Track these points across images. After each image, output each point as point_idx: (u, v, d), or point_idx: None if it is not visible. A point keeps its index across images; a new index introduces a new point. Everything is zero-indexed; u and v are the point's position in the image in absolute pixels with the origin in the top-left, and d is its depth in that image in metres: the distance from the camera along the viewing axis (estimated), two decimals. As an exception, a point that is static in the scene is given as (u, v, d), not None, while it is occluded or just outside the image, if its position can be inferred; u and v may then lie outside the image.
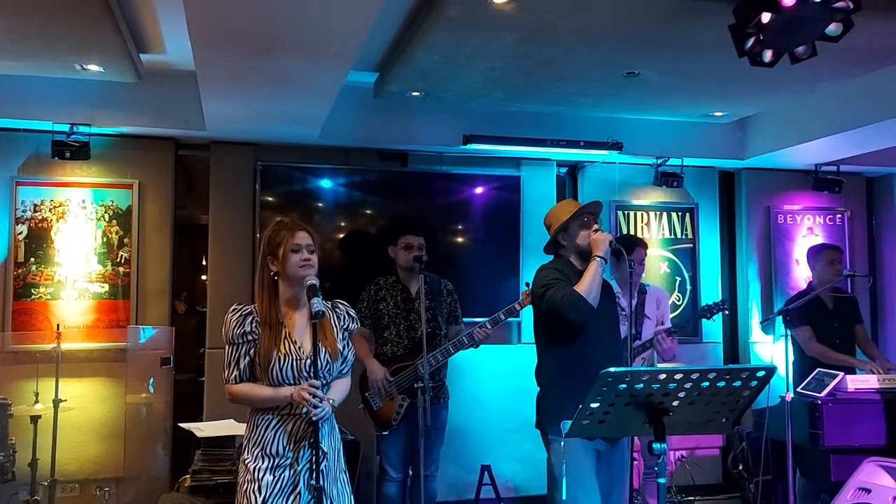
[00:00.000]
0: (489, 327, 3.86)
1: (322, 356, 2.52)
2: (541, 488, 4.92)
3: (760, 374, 2.11)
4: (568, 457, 2.88)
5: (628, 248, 4.20)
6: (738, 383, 2.12)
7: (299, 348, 2.56)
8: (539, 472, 4.91)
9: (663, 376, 2.05)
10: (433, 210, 5.01)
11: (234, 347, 2.57)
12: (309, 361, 2.52)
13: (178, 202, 4.95)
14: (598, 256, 3.01)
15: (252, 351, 2.55)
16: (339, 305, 2.74)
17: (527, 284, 3.86)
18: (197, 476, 3.68)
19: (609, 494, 2.98)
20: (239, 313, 2.59)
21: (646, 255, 4.33)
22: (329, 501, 2.54)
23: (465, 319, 4.22)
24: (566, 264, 3.16)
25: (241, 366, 2.55)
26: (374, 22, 2.85)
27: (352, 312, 2.75)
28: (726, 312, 4.75)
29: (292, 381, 2.53)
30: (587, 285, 2.96)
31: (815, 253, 4.67)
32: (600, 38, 3.47)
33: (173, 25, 3.64)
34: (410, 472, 3.99)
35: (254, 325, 2.57)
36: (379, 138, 4.86)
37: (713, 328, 5.55)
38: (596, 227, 3.13)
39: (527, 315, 4.65)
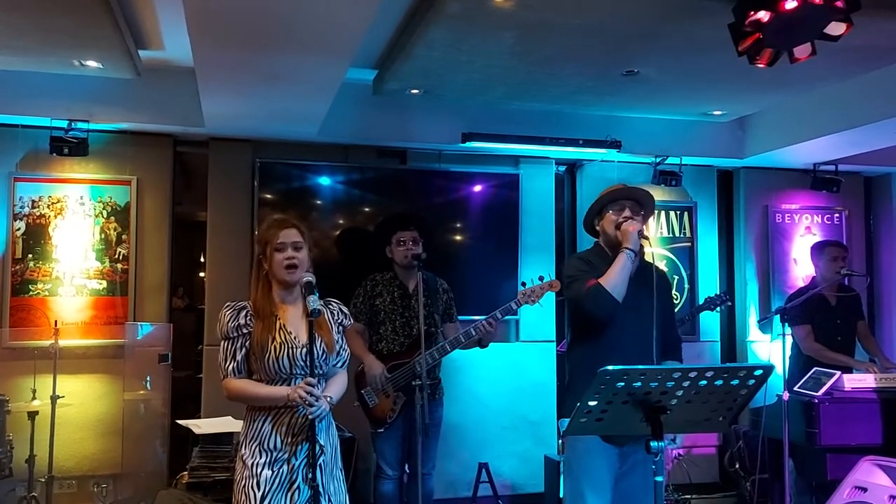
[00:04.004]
0: (486, 327, 3.81)
1: (318, 346, 2.53)
2: (538, 486, 4.93)
3: (758, 372, 2.11)
4: (580, 453, 2.81)
5: None
6: (735, 382, 2.12)
7: (295, 338, 2.57)
8: (536, 469, 4.92)
9: (661, 375, 2.05)
10: (432, 208, 5.00)
11: (230, 342, 2.58)
12: (305, 350, 2.52)
13: (177, 199, 4.95)
14: (626, 248, 2.84)
15: (248, 343, 2.56)
16: (332, 303, 2.75)
17: (523, 284, 3.86)
18: (195, 473, 3.68)
19: (635, 497, 2.82)
20: (233, 308, 2.61)
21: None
22: (327, 497, 2.54)
23: (464, 318, 4.22)
24: (599, 253, 3.01)
25: (238, 358, 2.56)
26: (373, 18, 2.85)
27: (344, 309, 2.77)
28: (729, 303, 4.74)
29: (288, 371, 2.54)
30: (612, 278, 2.81)
31: (817, 250, 4.68)
32: (599, 36, 3.47)
33: (172, 22, 3.63)
34: (407, 470, 4.00)
35: (248, 318, 2.58)
36: (378, 136, 4.85)
37: (711, 326, 5.56)
38: (626, 214, 2.94)
39: (525, 313, 4.66)
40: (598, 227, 3.05)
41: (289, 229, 2.61)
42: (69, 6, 3.12)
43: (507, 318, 3.97)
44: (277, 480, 2.51)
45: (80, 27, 3.36)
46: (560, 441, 5.03)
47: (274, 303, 2.61)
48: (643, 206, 3.02)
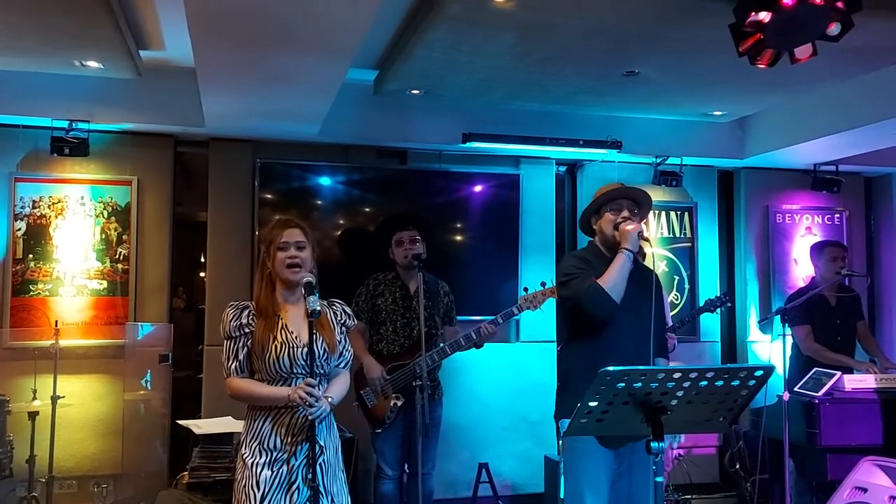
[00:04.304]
0: (487, 330, 3.82)
1: (319, 345, 2.53)
2: (538, 486, 4.93)
3: (759, 373, 2.11)
4: (579, 454, 2.81)
5: None
6: (736, 382, 2.12)
7: (296, 337, 2.57)
8: (536, 469, 4.92)
9: (661, 375, 2.05)
10: (432, 208, 5.00)
11: (233, 341, 2.58)
12: (306, 350, 2.53)
13: (177, 199, 4.95)
14: (625, 248, 2.83)
15: (249, 342, 2.56)
16: (336, 304, 2.75)
17: (525, 289, 3.86)
18: (195, 473, 3.68)
19: (632, 497, 2.85)
20: (235, 308, 2.62)
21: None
22: (329, 498, 2.54)
23: (464, 318, 4.22)
24: (595, 252, 3.00)
25: (241, 357, 2.56)
26: (374, 17, 2.85)
27: (348, 310, 2.77)
28: (729, 305, 4.75)
29: (288, 370, 2.54)
30: (611, 279, 2.80)
31: (817, 250, 4.68)
32: (600, 36, 3.47)
33: (173, 22, 3.63)
34: (407, 470, 3.99)
35: (250, 317, 2.59)
36: (378, 136, 4.85)
37: (711, 327, 5.56)
38: (625, 214, 2.92)
39: (525, 313, 4.65)
40: (595, 227, 3.03)
41: (292, 229, 2.62)
42: (70, 6, 3.12)
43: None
44: (277, 480, 2.51)
45: (80, 27, 3.36)
46: (560, 442, 5.04)
47: (276, 302, 2.62)
48: (641, 205, 3.01)
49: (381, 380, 3.81)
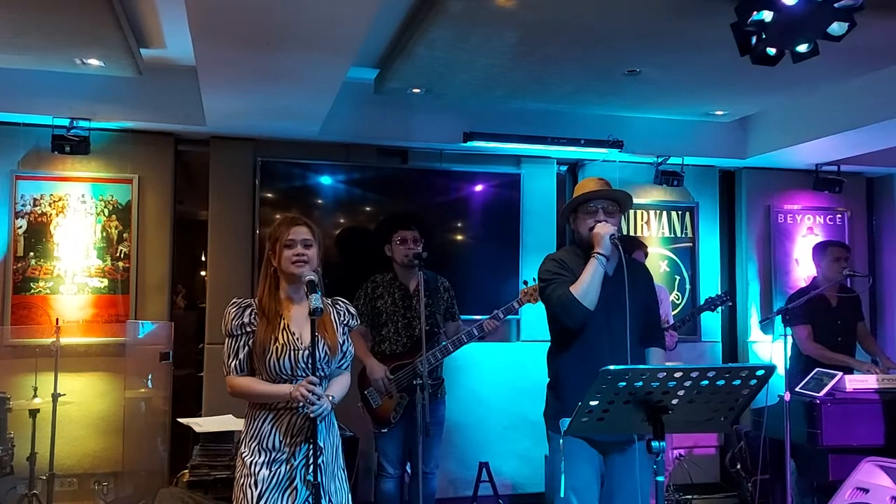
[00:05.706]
0: (489, 326, 3.84)
1: (320, 348, 2.52)
2: (538, 486, 4.93)
3: (760, 373, 2.11)
4: (566, 456, 2.80)
5: (627, 250, 4.19)
6: (737, 382, 2.11)
7: (297, 339, 2.56)
8: (537, 469, 4.92)
9: (663, 374, 2.05)
10: (433, 207, 5.00)
11: (234, 339, 2.57)
12: (307, 353, 2.52)
13: (178, 197, 4.95)
14: (597, 253, 2.79)
15: (251, 342, 2.56)
16: (339, 302, 2.74)
17: (525, 283, 3.86)
18: (195, 471, 3.69)
19: (614, 498, 2.86)
20: (238, 306, 2.60)
21: (645, 257, 4.30)
22: (327, 497, 2.54)
23: (464, 317, 4.21)
24: (573, 252, 2.98)
25: (241, 356, 2.56)
26: (375, 16, 2.85)
27: (351, 309, 2.76)
28: (729, 304, 4.76)
29: (289, 372, 2.53)
30: (582, 287, 2.77)
31: (820, 250, 4.67)
32: (601, 35, 3.47)
33: (173, 20, 3.64)
34: (409, 469, 3.99)
35: (252, 316, 2.57)
36: (379, 135, 4.85)
37: (712, 327, 5.56)
38: (599, 217, 2.86)
39: (526, 312, 4.65)
40: (572, 226, 3.01)
41: (299, 227, 2.61)
42: (71, 4, 3.12)
43: (508, 317, 3.97)
44: (275, 480, 2.50)
45: (82, 26, 3.37)
46: (561, 441, 5.03)
47: (280, 302, 2.61)
48: (619, 204, 2.95)
49: (384, 380, 3.81)
